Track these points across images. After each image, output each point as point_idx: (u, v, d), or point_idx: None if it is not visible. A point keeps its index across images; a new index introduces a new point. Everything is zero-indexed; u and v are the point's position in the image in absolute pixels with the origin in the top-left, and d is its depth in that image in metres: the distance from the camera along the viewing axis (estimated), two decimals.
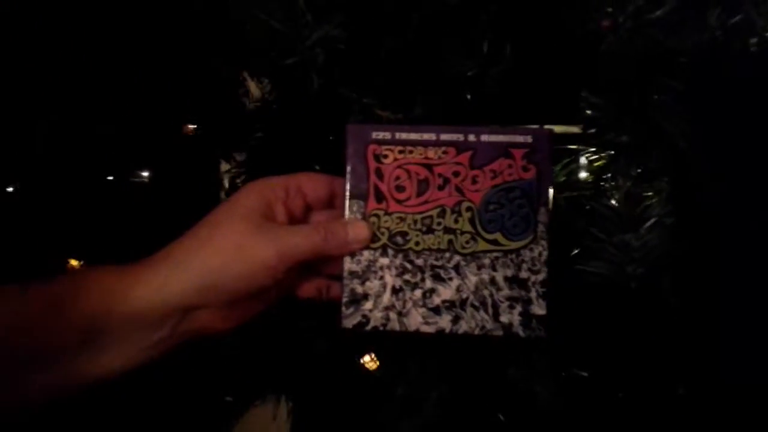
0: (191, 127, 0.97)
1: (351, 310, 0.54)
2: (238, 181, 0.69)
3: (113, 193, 1.05)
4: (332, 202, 0.57)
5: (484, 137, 0.54)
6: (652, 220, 0.43)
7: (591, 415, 0.45)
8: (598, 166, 0.51)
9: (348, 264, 0.54)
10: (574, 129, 0.51)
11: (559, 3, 0.47)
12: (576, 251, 0.51)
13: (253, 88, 0.73)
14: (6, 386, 0.49)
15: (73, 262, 0.98)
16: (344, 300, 0.54)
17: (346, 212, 0.54)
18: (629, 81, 0.45)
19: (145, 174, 1.03)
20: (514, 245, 0.54)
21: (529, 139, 0.54)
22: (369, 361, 0.63)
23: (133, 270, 0.51)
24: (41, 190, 1.03)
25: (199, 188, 0.85)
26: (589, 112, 0.46)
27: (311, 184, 0.56)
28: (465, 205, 0.54)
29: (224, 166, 0.76)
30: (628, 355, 0.45)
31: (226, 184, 0.75)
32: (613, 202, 0.50)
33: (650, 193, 0.44)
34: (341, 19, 0.48)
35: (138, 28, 0.93)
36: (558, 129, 0.55)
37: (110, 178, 1.05)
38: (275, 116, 0.61)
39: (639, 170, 0.45)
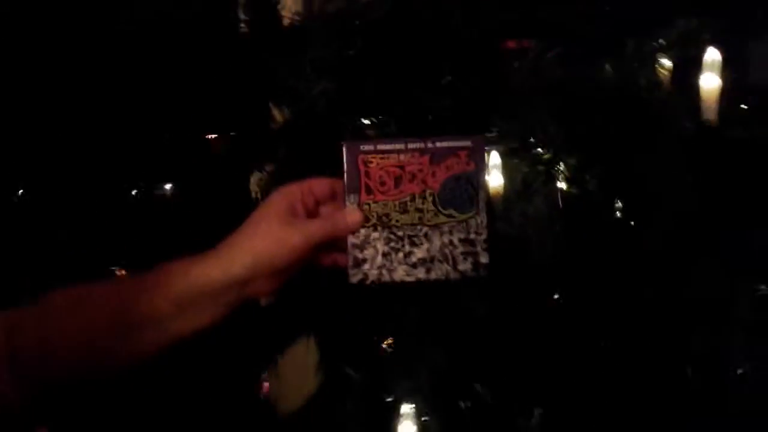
0: (214, 137, 1.14)
1: (355, 270, 0.76)
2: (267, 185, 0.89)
3: (148, 203, 1.21)
4: (334, 197, 0.78)
5: (438, 144, 0.76)
6: (539, 196, 0.66)
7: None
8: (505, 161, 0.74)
9: (350, 239, 0.76)
10: (494, 135, 0.74)
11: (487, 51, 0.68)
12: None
13: (277, 114, 0.94)
14: (128, 343, 0.69)
15: (120, 273, 1.14)
16: (349, 264, 0.76)
17: (346, 203, 0.76)
18: (530, 103, 0.67)
19: (168, 187, 1.20)
20: (463, 216, 0.76)
21: (469, 143, 0.76)
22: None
23: (205, 257, 0.73)
24: (77, 203, 1.18)
25: (233, 193, 1.04)
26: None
27: (318, 186, 0.77)
28: (428, 191, 0.76)
29: (256, 175, 0.97)
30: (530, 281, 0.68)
31: (257, 189, 0.96)
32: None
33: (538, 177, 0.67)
34: (334, 77, 0.69)
35: (178, 48, 1.07)
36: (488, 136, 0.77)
37: (138, 188, 1.21)
38: (294, 136, 0.82)
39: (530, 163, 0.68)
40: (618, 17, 0.91)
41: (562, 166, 0.78)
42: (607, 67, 0.72)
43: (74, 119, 1.10)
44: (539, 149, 0.70)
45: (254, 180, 0.96)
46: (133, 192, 1.14)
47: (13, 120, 1.12)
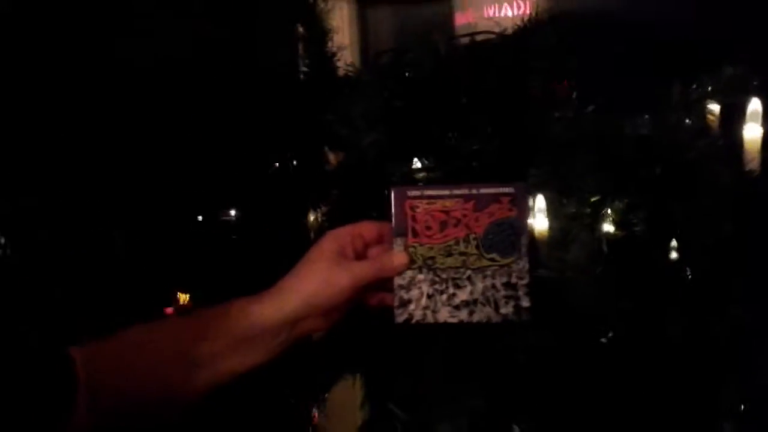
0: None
1: (400, 311, 0.79)
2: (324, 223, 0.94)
3: (212, 232, 1.27)
4: (382, 240, 0.82)
5: (482, 190, 0.79)
6: (578, 243, 0.68)
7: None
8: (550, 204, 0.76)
9: (397, 280, 0.79)
10: (537, 182, 0.76)
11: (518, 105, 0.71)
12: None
13: (331, 157, 0.99)
14: (191, 379, 0.73)
15: (182, 296, 1.22)
16: (396, 304, 0.79)
17: (393, 246, 0.80)
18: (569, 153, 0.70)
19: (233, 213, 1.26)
20: (506, 261, 0.79)
21: (511, 190, 0.78)
22: None
23: (259, 297, 0.77)
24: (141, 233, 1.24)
25: (291, 228, 1.09)
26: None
27: (367, 229, 0.81)
28: (472, 236, 0.79)
29: (312, 215, 1.02)
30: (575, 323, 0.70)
31: (313, 226, 1.01)
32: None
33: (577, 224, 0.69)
34: (383, 128, 0.73)
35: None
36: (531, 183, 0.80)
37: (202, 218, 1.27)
38: (346, 180, 0.87)
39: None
40: (664, 64, 0.93)
41: (608, 210, 0.80)
42: (646, 117, 0.74)
43: (156, 148, 1.15)
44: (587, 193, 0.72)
45: (312, 218, 1.01)
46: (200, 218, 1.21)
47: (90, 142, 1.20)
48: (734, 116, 0.82)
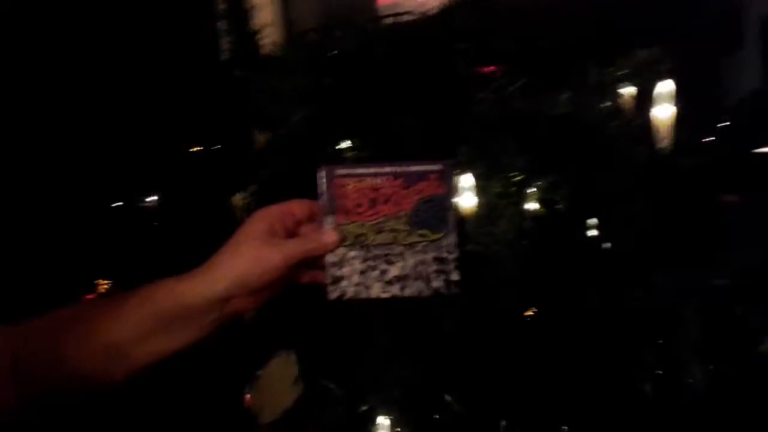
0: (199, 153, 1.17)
1: (333, 287, 0.80)
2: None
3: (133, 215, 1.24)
4: (313, 218, 0.82)
5: (411, 168, 0.80)
6: (504, 218, 0.71)
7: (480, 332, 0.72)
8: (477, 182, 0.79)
9: (328, 258, 0.79)
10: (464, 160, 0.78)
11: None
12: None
13: (260, 138, 0.97)
14: (118, 359, 0.72)
15: (103, 283, 1.16)
16: (328, 281, 0.79)
17: (324, 224, 0.80)
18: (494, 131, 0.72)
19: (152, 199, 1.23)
20: (435, 236, 0.80)
21: (439, 167, 0.79)
22: None
23: (189, 276, 0.76)
24: (59, 217, 1.20)
25: (216, 209, 1.08)
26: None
27: (298, 207, 0.81)
28: (402, 212, 0.80)
29: (239, 195, 1.00)
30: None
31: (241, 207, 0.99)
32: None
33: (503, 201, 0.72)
34: (312, 105, 0.73)
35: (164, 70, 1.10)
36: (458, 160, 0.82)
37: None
38: (275, 159, 0.86)
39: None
40: (582, 48, 0.96)
41: (532, 188, 0.83)
42: (566, 96, 0.77)
43: (60, 129, 1.13)
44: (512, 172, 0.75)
45: (237, 199, 1.00)
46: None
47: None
48: (648, 98, 0.86)
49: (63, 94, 1.17)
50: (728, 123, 1.55)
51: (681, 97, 0.80)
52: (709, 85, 1.80)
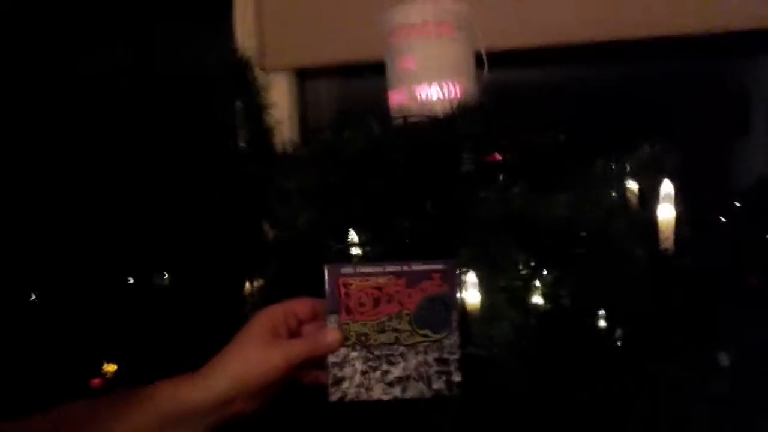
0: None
1: (334, 389, 0.79)
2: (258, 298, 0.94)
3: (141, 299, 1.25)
4: (316, 316, 0.82)
5: (414, 267, 0.80)
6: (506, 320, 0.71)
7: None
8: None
9: (330, 358, 0.79)
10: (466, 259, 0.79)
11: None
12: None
13: (269, 232, 0.99)
14: None
15: (109, 367, 1.16)
16: (329, 382, 0.79)
17: (327, 323, 0.81)
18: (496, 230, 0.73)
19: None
20: (437, 336, 0.80)
21: (442, 266, 0.80)
22: None
23: (189, 378, 0.76)
24: (64, 295, 1.21)
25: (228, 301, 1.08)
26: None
27: (301, 306, 0.82)
28: (405, 312, 0.80)
29: (247, 287, 1.01)
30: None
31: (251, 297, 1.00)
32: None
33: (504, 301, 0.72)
34: (319, 204, 0.75)
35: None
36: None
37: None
38: (282, 255, 0.88)
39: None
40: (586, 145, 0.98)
41: (537, 283, 0.83)
42: (564, 196, 0.78)
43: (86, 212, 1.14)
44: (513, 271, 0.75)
45: (248, 289, 1.01)
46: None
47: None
48: (651, 195, 0.87)
49: (79, 173, 1.18)
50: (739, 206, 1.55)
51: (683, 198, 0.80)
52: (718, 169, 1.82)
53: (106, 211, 1.12)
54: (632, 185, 0.95)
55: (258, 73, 1.55)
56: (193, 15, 1.43)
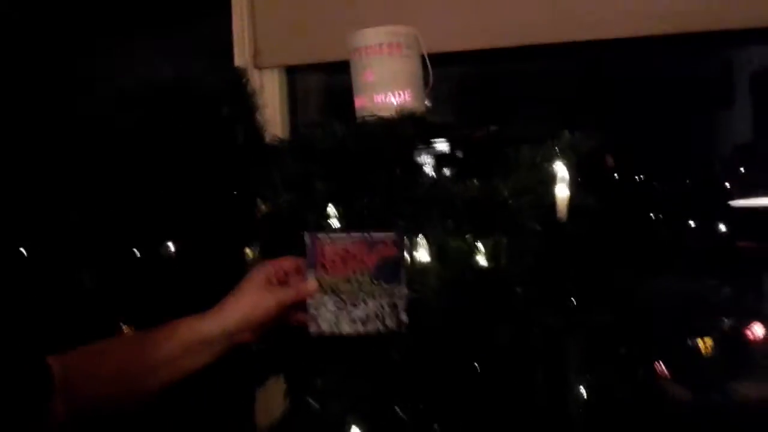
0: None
1: (312, 324, 1.04)
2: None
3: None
4: (299, 271, 1.06)
5: (373, 235, 1.04)
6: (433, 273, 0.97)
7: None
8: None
9: (309, 301, 1.04)
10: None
11: None
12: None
13: (262, 205, 1.23)
14: (150, 378, 0.95)
15: (125, 328, 1.24)
16: (309, 320, 1.05)
17: (307, 276, 1.06)
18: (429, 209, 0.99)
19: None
20: (389, 287, 1.04)
21: (393, 236, 1.05)
22: None
23: (205, 315, 1.00)
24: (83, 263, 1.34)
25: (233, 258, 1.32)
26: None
27: (287, 263, 1.06)
28: (365, 268, 1.05)
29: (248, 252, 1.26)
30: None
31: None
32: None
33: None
34: (298, 188, 1.00)
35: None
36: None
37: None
38: (271, 225, 1.14)
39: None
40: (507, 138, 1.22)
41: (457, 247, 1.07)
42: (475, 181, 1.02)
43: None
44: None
45: (248, 251, 1.26)
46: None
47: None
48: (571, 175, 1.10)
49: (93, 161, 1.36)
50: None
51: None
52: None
53: (133, 199, 1.32)
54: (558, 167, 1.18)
55: (252, 72, 1.79)
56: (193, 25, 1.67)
